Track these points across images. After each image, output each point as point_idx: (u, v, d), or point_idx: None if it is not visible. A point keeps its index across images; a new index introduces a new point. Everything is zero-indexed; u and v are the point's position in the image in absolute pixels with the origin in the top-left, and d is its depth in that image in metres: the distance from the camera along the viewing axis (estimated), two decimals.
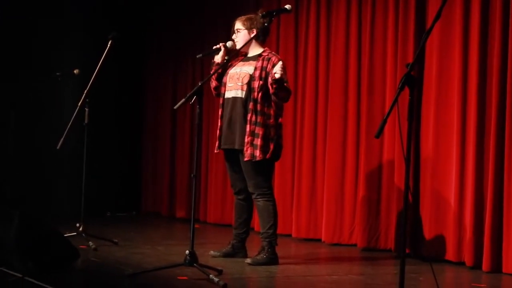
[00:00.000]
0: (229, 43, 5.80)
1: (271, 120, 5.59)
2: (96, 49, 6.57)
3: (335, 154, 7.02)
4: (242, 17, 5.82)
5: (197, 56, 6.01)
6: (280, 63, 5.40)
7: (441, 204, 6.05)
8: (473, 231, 5.68)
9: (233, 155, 5.75)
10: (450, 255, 5.91)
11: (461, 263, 5.82)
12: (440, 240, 6.02)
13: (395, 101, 3.53)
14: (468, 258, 5.72)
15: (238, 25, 5.78)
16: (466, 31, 5.89)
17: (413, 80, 3.55)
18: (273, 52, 5.80)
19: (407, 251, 6.14)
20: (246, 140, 5.54)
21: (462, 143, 5.86)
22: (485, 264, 5.56)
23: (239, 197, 5.89)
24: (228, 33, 5.97)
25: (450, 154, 5.97)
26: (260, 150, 5.51)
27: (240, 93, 5.65)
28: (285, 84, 5.46)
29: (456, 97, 5.92)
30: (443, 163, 6.05)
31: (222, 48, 5.79)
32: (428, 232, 6.11)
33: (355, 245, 6.82)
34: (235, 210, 5.96)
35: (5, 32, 8.48)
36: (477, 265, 5.67)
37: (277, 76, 5.32)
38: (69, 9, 9.01)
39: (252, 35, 5.68)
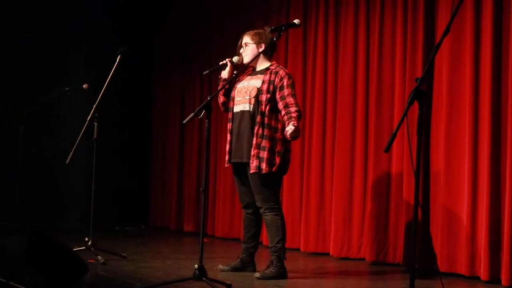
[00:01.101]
0: (235, 58, 5.82)
1: (278, 134, 5.60)
2: (105, 64, 6.60)
3: (343, 168, 7.02)
4: (251, 31, 5.84)
5: (204, 73, 6.03)
6: (292, 128, 5.38)
7: (453, 218, 6.01)
8: (489, 245, 5.63)
9: (241, 169, 5.76)
10: (462, 269, 5.87)
11: (474, 278, 5.78)
12: (452, 254, 5.98)
13: (404, 115, 3.54)
14: (484, 273, 5.66)
15: (247, 39, 5.80)
16: (477, 45, 5.87)
17: (422, 95, 3.56)
18: (280, 66, 5.82)
19: (417, 265, 6.14)
20: (252, 152, 5.55)
21: (474, 157, 5.82)
22: (505, 279, 5.49)
23: (248, 211, 5.89)
24: (235, 45, 5.97)
25: (462, 168, 5.93)
26: (266, 163, 5.51)
27: (248, 107, 5.67)
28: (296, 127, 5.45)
29: (467, 111, 5.89)
30: (455, 177, 6.00)
31: (229, 64, 5.81)
32: (439, 246, 6.06)
33: (363, 259, 6.80)
34: (244, 224, 5.96)
35: (15, 46, 8.53)
36: (493, 280, 5.61)
37: (291, 135, 5.37)
38: (78, 24, 9.06)
39: (261, 50, 5.70)
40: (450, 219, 6.03)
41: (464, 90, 5.97)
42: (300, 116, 5.54)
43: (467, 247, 5.83)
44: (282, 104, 5.54)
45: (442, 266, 6.01)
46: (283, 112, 5.54)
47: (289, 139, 5.43)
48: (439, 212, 6.12)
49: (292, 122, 5.41)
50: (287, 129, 5.38)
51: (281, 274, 5.59)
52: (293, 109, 5.53)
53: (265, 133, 5.55)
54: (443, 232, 6.05)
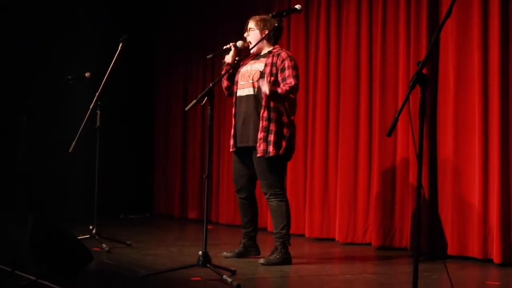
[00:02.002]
0: (239, 43, 5.81)
1: (284, 117, 5.59)
2: (107, 52, 6.59)
3: (348, 152, 7.01)
4: (257, 16, 5.83)
5: (208, 57, 6.03)
6: (263, 80, 5.38)
7: (463, 201, 5.98)
8: (500, 227, 5.62)
9: (247, 153, 5.75)
10: (475, 252, 5.86)
11: (487, 260, 5.78)
12: (464, 237, 5.96)
13: (406, 99, 3.52)
14: (496, 256, 5.66)
15: (251, 24, 5.79)
16: (485, 26, 5.85)
17: (424, 79, 3.54)
18: (283, 49, 5.79)
19: (424, 249, 6.14)
20: (259, 136, 5.54)
21: (484, 141, 5.80)
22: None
23: (241, 196, 5.89)
24: (237, 35, 5.97)
25: (472, 152, 5.91)
26: (273, 146, 5.51)
27: (252, 91, 5.66)
28: (278, 90, 5.43)
29: (477, 95, 5.86)
30: (465, 161, 5.99)
31: (232, 48, 5.80)
32: (450, 230, 6.05)
33: (369, 244, 6.81)
34: (240, 209, 5.96)
35: (16, 38, 8.53)
36: (506, 262, 5.62)
37: (267, 91, 5.34)
38: (80, 13, 9.04)
39: (264, 36, 5.68)
40: (460, 203, 6.00)
41: (472, 74, 5.94)
42: (294, 89, 5.51)
43: (479, 230, 5.81)
44: (284, 84, 5.53)
45: (453, 250, 6.00)
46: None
47: (265, 92, 5.37)
48: (447, 195, 6.10)
49: (280, 87, 5.42)
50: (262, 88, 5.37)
51: (286, 260, 5.59)
52: (290, 81, 5.51)
53: (271, 116, 5.54)
54: (453, 216, 6.02)
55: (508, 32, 5.72)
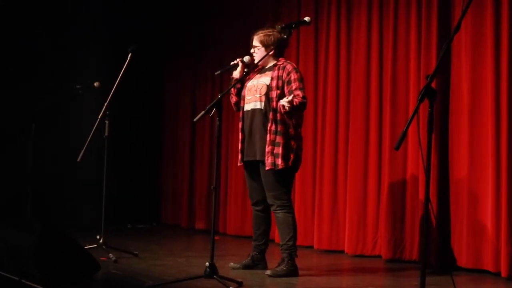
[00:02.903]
0: (246, 58, 5.82)
1: (291, 130, 5.59)
2: (116, 62, 6.60)
3: (357, 164, 6.99)
4: (260, 33, 5.82)
5: (216, 73, 6.03)
6: (289, 98, 5.36)
7: (478, 216, 5.94)
8: (507, 243, 5.60)
9: (254, 167, 5.76)
10: (489, 265, 5.82)
11: (496, 274, 5.74)
12: (474, 253, 5.94)
13: (415, 112, 3.52)
14: (504, 269, 5.64)
15: (256, 42, 5.80)
16: (497, 42, 5.81)
17: (433, 92, 3.54)
18: (288, 61, 5.79)
19: (433, 262, 6.11)
20: (267, 149, 5.54)
21: (496, 154, 5.75)
22: None
23: (257, 208, 5.89)
24: (245, 46, 5.97)
25: (486, 166, 5.86)
26: (281, 159, 5.51)
27: (259, 105, 5.67)
28: (294, 103, 5.41)
29: (490, 108, 5.83)
30: (479, 176, 5.94)
31: (240, 64, 5.81)
32: (464, 243, 6.01)
33: (379, 256, 6.78)
34: (254, 221, 5.96)
35: (26, 46, 8.56)
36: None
37: (287, 108, 5.34)
38: (89, 21, 9.08)
39: (269, 52, 5.68)
40: (475, 217, 5.95)
41: (485, 89, 5.89)
42: (304, 104, 5.52)
43: (493, 243, 5.78)
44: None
45: (469, 263, 5.97)
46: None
47: (287, 107, 5.35)
48: (461, 208, 6.05)
49: (296, 99, 5.40)
50: (289, 99, 5.34)
51: (292, 271, 5.58)
52: (298, 93, 5.51)
53: (278, 129, 5.55)
54: (468, 229, 5.97)
55: None
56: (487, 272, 5.82)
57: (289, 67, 5.65)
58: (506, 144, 5.69)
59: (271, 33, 5.75)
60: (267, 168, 5.54)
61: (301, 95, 5.50)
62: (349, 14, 7.24)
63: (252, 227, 6.00)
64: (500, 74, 5.79)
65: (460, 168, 6.11)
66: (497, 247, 5.74)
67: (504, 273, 5.62)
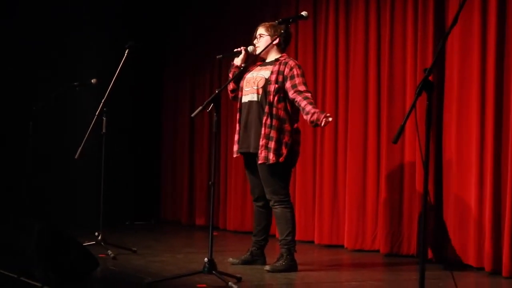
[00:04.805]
0: (250, 48, 5.81)
1: (286, 125, 5.58)
2: (114, 57, 6.59)
3: (356, 159, 7.00)
4: (266, 23, 5.84)
5: (217, 57, 6.03)
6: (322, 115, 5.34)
7: (463, 208, 5.97)
8: (492, 236, 5.61)
9: (250, 160, 5.76)
10: (471, 260, 5.84)
11: (481, 269, 5.75)
12: (462, 245, 5.95)
13: (413, 106, 3.51)
14: (487, 264, 5.65)
15: (262, 30, 5.80)
16: (484, 37, 5.82)
17: (430, 86, 3.53)
18: (290, 57, 5.80)
19: (430, 256, 6.12)
20: (260, 143, 5.54)
21: (480, 148, 5.79)
22: (504, 270, 5.48)
23: (258, 204, 5.89)
24: (247, 42, 5.96)
25: (470, 159, 5.91)
26: (273, 153, 5.50)
27: (256, 97, 5.66)
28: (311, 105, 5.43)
29: (475, 102, 5.86)
30: (464, 168, 5.98)
31: (243, 52, 5.81)
32: (451, 237, 6.04)
33: (377, 251, 6.78)
34: (254, 217, 5.96)
35: (22, 43, 8.54)
36: (495, 271, 5.59)
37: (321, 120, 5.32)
38: (87, 19, 9.05)
39: (274, 42, 5.68)
40: (461, 210, 5.98)
41: (472, 81, 5.92)
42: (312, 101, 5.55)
43: (475, 237, 5.79)
44: (294, 91, 5.51)
45: (453, 257, 5.99)
46: (298, 98, 5.49)
47: (322, 124, 5.34)
48: (451, 202, 6.09)
49: (318, 112, 5.36)
50: (319, 117, 5.32)
51: (291, 266, 5.58)
52: (309, 94, 5.52)
53: (273, 124, 5.54)
54: (455, 223, 6.02)
55: (504, 40, 5.69)
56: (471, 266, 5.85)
57: (291, 62, 5.65)
58: (491, 139, 5.69)
59: (276, 24, 5.74)
60: (259, 162, 5.54)
61: (305, 89, 5.51)
62: (347, 9, 7.23)
63: (253, 223, 6.00)
64: (486, 67, 5.79)
65: (449, 162, 6.14)
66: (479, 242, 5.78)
67: (505, 273, 5.60)
